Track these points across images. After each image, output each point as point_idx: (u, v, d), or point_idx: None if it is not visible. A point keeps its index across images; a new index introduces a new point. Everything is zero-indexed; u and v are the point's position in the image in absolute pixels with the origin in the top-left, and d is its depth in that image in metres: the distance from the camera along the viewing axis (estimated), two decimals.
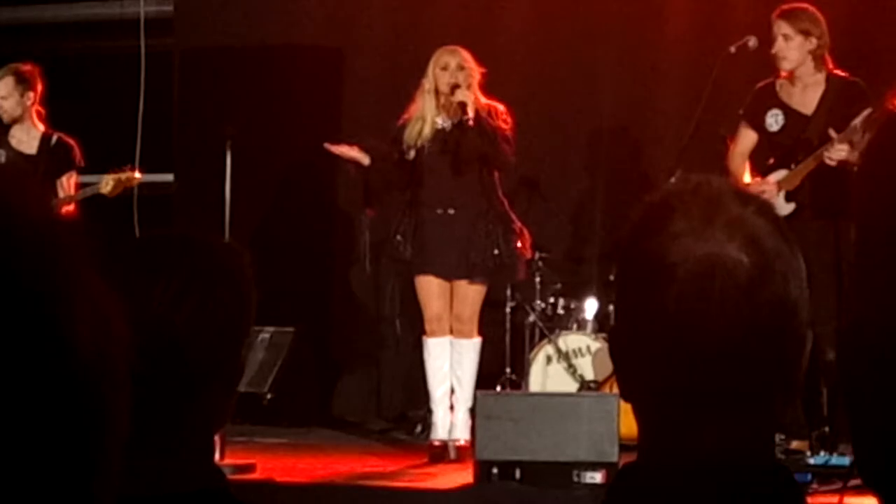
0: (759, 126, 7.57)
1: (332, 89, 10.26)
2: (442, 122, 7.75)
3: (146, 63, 10.09)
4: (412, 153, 7.77)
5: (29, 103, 8.42)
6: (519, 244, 7.81)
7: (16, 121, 8.43)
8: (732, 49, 7.63)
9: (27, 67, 8.47)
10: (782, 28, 7.37)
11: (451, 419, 7.84)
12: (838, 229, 7.18)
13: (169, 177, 10.19)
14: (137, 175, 8.45)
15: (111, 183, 8.35)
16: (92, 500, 0.92)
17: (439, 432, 7.80)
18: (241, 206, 8.28)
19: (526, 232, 7.90)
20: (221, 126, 8.33)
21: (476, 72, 7.73)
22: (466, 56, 7.76)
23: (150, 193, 9.49)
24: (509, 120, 7.74)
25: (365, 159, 7.83)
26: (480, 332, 7.93)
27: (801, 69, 7.40)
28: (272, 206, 10.21)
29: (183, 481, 1.88)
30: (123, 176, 8.39)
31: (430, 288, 7.80)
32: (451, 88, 7.64)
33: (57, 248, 0.91)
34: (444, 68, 7.71)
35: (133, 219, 9.54)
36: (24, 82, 8.41)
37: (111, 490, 0.94)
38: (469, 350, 7.84)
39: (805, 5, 7.48)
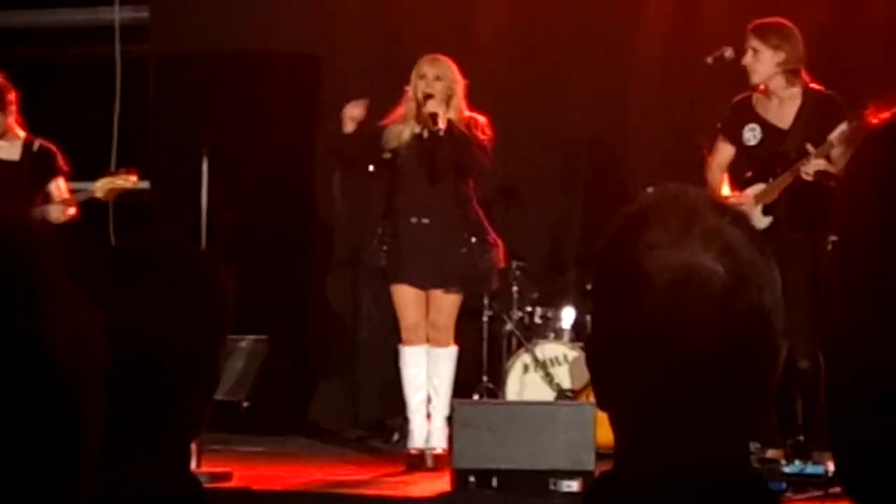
0: (736, 140, 7.60)
1: (309, 96, 10.25)
2: (420, 129, 7.76)
3: (122, 69, 10.06)
4: (388, 154, 7.80)
5: (11, 116, 8.38)
6: (493, 254, 7.82)
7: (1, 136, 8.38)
8: (709, 59, 7.66)
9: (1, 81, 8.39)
10: (752, 42, 7.42)
11: (427, 427, 7.84)
12: (815, 242, 7.21)
13: (145, 184, 10.16)
14: (133, 178, 8.37)
15: (106, 186, 8.28)
16: (68, 501, 0.92)
17: (416, 441, 7.81)
18: (217, 214, 8.26)
19: (500, 242, 7.91)
20: (198, 133, 8.31)
21: (458, 83, 7.74)
22: (447, 67, 7.77)
23: (126, 201, 9.45)
24: (488, 131, 7.76)
25: (350, 125, 7.83)
26: (457, 341, 7.94)
27: (773, 83, 7.44)
28: (249, 213, 10.19)
29: (159, 489, 1.87)
30: (120, 179, 8.32)
31: (405, 297, 7.80)
32: (424, 98, 7.67)
33: (31, 257, 0.91)
34: (422, 77, 7.74)
35: (109, 226, 9.51)
36: (2, 99, 8.34)
37: (85, 497, 0.94)
38: (445, 359, 7.84)
39: (779, 19, 7.51)
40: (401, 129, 7.79)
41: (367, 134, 7.87)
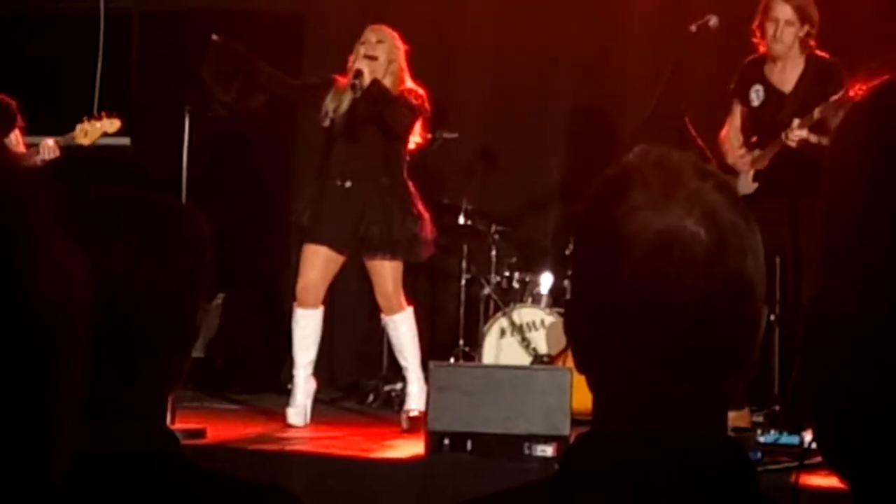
0: (744, 100, 7.60)
1: (291, 56, 10.22)
2: (356, 94, 7.70)
3: (105, 25, 10.01)
4: (327, 121, 7.78)
5: None
6: (417, 225, 7.75)
7: None
8: (693, 28, 7.64)
9: None
10: (786, 12, 7.33)
11: (313, 385, 7.82)
12: (796, 209, 7.19)
13: (126, 140, 10.12)
14: (116, 122, 8.27)
15: (88, 131, 8.21)
16: (48, 456, 0.91)
17: (297, 398, 7.78)
18: (198, 170, 8.24)
19: (427, 215, 7.83)
20: (180, 90, 8.29)
21: (399, 49, 7.73)
22: (389, 34, 7.77)
23: (107, 155, 9.42)
24: (422, 100, 7.70)
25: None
26: (435, 305, 7.95)
27: (791, 52, 7.41)
28: (229, 170, 10.17)
29: (135, 442, 1.87)
30: (103, 122, 8.23)
31: (313, 257, 7.75)
32: (364, 58, 7.66)
33: (16, 199, 0.91)
34: (364, 43, 7.74)
35: (88, 180, 9.47)
36: None
37: (68, 446, 0.93)
38: (403, 323, 7.82)
39: None
40: (340, 99, 7.76)
41: (281, 80, 7.97)
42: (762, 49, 7.49)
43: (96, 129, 8.22)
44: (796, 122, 7.20)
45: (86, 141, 8.24)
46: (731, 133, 7.68)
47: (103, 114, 8.28)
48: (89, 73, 9.80)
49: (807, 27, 7.34)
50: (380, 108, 7.58)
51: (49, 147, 8.20)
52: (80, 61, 9.90)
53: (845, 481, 1.21)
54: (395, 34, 7.79)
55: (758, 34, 7.48)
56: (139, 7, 10.43)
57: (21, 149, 8.30)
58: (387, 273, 7.74)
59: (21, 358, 0.88)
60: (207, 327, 9.42)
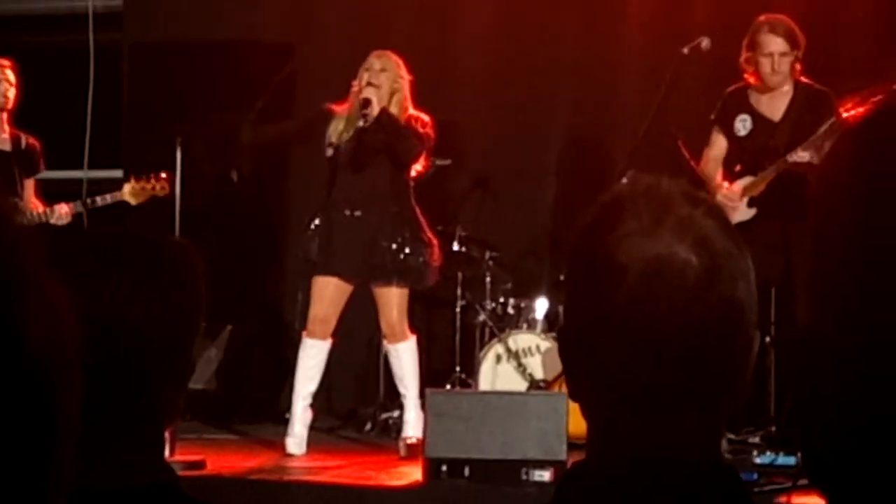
0: (728, 131, 7.59)
1: (283, 86, 10.23)
2: (361, 123, 7.70)
3: (95, 58, 10.02)
4: (330, 150, 7.77)
5: (10, 104, 8.42)
6: (426, 252, 7.76)
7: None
8: (685, 50, 7.65)
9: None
10: (778, 45, 7.35)
11: (309, 415, 7.80)
12: (792, 234, 7.18)
13: (118, 173, 10.13)
14: (167, 186, 8.20)
15: (136, 191, 8.18)
16: (45, 496, 0.92)
17: (295, 427, 7.77)
18: (191, 203, 8.24)
19: (435, 241, 7.85)
20: (171, 122, 8.30)
21: (403, 78, 7.72)
22: (394, 62, 7.76)
23: (99, 190, 9.43)
24: (429, 128, 7.71)
25: None
26: (431, 332, 7.94)
27: (785, 79, 7.43)
28: (223, 202, 10.17)
29: (133, 476, 1.88)
30: (157, 185, 8.19)
31: (324, 289, 7.74)
32: (367, 85, 7.66)
33: (6, 244, 0.91)
34: (368, 69, 7.73)
35: (82, 216, 9.47)
36: (9, 84, 8.40)
37: (65, 485, 0.94)
38: (405, 352, 7.82)
39: (780, 16, 7.50)
40: (342, 125, 7.77)
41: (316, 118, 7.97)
42: (753, 81, 7.50)
43: (146, 192, 8.21)
44: (800, 150, 7.19)
45: (133, 201, 8.22)
46: (710, 164, 7.67)
47: (152, 176, 8.24)
48: (80, 106, 9.80)
49: (797, 52, 7.37)
50: (389, 138, 7.58)
51: (62, 213, 8.20)
52: (70, 94, 9.91)
53: (826, 497, 1.22)
54: (399, 61, 7.77)
55: (748, 69, 7.49)
56: (129, 39, 10.44)
57: (30, 196, 8.32)
58: (394, 301, 7.74)
59: (14, 400, 0.89)
60: (212, 359, 9.40)
